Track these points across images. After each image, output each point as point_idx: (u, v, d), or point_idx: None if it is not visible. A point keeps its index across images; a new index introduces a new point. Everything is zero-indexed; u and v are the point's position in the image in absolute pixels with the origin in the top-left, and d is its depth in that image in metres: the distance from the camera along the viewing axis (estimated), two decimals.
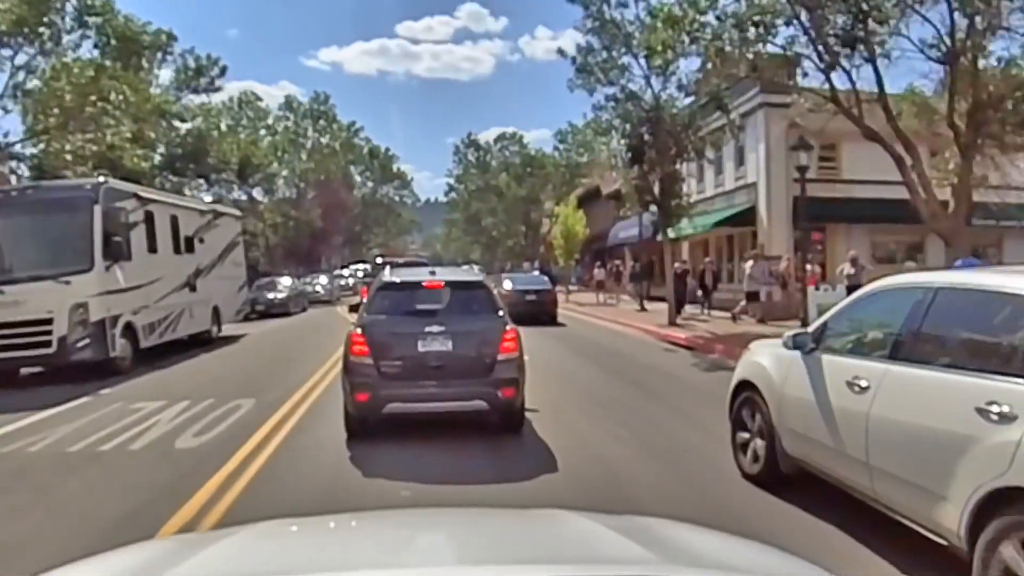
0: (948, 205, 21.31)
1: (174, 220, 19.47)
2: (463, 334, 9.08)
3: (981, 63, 20.39)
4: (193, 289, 20.21)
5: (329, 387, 13.14)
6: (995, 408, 4.38)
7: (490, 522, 2.83)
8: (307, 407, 11.65)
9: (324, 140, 71.70)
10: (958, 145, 20.92)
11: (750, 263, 22.65)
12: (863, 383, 5.66)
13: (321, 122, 71.36)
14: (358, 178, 79.32)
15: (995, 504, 4.28)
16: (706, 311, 27.91)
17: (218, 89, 44.46)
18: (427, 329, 8.98)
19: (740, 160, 30.43)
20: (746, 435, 7.54)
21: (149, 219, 17.93)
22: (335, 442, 9.22)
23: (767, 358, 7.41)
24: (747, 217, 29.08)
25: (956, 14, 19.17)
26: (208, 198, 39.57)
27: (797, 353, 6.72)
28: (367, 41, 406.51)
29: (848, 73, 19.95)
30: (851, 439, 5.78)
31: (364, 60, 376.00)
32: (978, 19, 19.37)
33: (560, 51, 24.82)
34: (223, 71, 43.18)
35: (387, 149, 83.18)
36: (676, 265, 27.09)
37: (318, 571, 2.02)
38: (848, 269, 21.48)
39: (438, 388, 8.99)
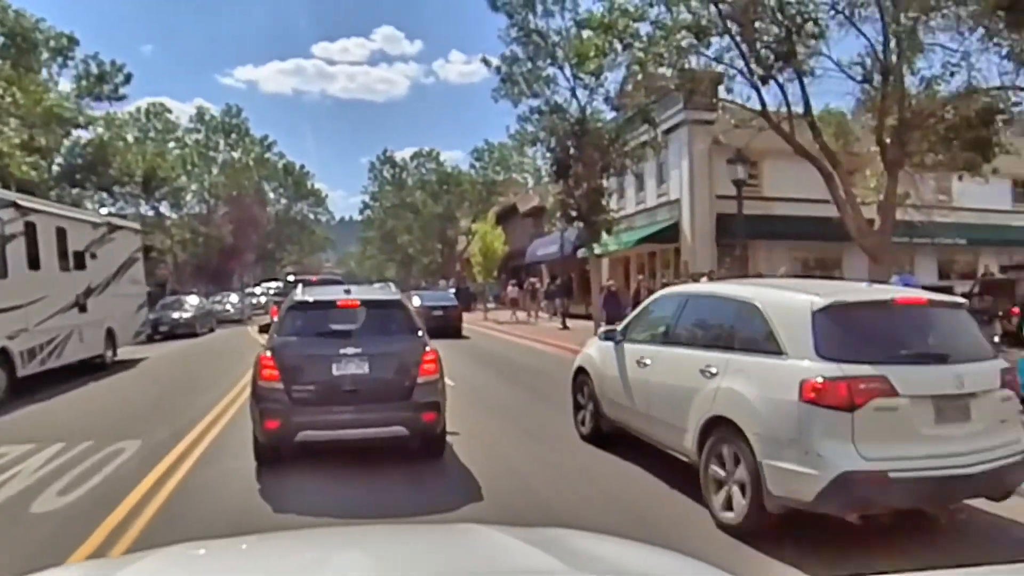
0: (873, 222, 20.77)
1: (61, 233, 17.13)
2: (380, 356, 8.44)
3: (907, 81, 19.98)
4: (83, 309, 17.88)
5: (233, 421, 11.37)
6: (711, 369, 6.85)
7: (405, 538, 2.86)
8: (204, 448, 9.78)
9: (236, 155, 68.07)
10: (884, 162, 20.41)
11: (704, 279, 21.43)
12: (646, 361, 8.27)
13: (233, 136, 67.71)
14: (271, 194, 75.83)
15: (709, 428, 6.72)
16: None
17: (122, 97, 41.64)
18: (342, 351, 8.29)
19: (662, 177, 29.55)
20: (581, 401, 10.14)
21: (30, 231, 15.61)
22: (239, 481, 8.17)
23: (594, 349, 10.02)
24: (670, 234, 28.18)
25: (889, 31, 18.69)
26: (106, 211, 36.62)
27: (611, 344, 9.21)
28: (283, 60, 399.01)
29: (781, 87, 19.19)
30: (639, 400, 8.40)
31: (279, 79, 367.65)
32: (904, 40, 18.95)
33: (484, 60, 23.49)
34: (128, 78, 40.47)
35: (302, 166, 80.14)
36: (610, 283, 25.84)
37: None
38: None
39: (354, 414, 8.19)
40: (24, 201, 15.98)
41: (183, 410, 12.54)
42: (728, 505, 6.45)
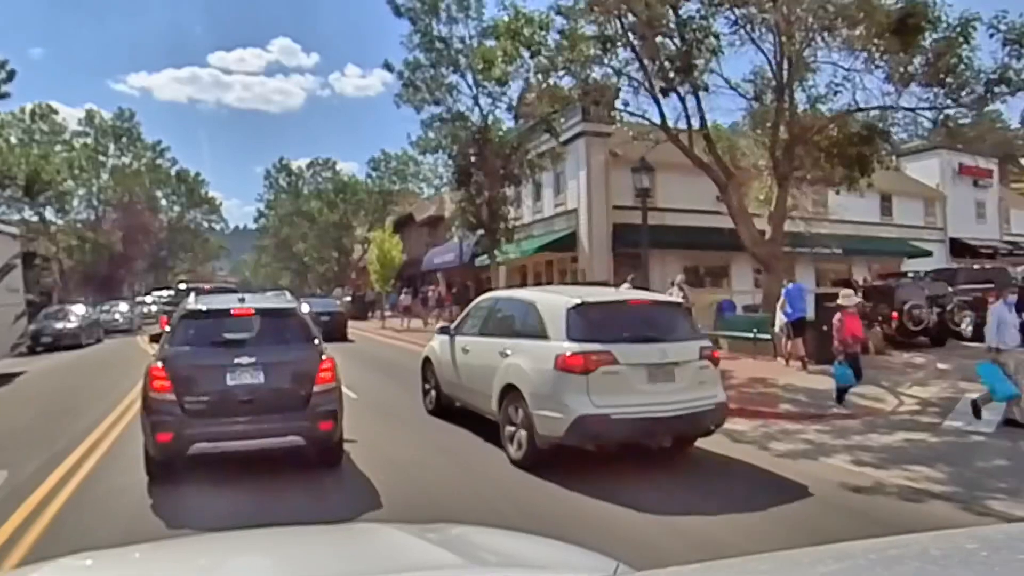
0: (764, 233, 20.73)
1: None
2: (275, 365, 8.05)
3: (796, 98, 20.01)
4: None
5: (119, 441, 10.08)
6: (506, 351, 9.29)
7: (304, 539, 2.65)
8: (83, 475, 8.39)
9: (127, 159, 63.49)
10: (776, 175, 20.38)
11: (625, 285, 20.48)
12: (467, 348, 10.66)
13: (124, 140, 62.87)
14: (164, 202, 71.31)
15: (504, 393, 9.05)
16: None
17: (4, 96, 37.70)
18: (236, 360, 7.88)
19: (559, 187, 28.95)
20: (427, 387, 12.24)
21: None
22: (129, 498, 7.54)
23: (436, 342, 12.06)
24: (568, 243, 27.57)
25: (783, 50, 18.64)
26: None
27: (447, 337, 11.43)
28: (178, 68, 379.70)
29: (682, 100, 18.83)
30: (463, 377, 10.69)
31: (174, 87, 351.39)
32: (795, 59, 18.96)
33: (387, 64, 22.20)
34: (11, 76, 36.87)
35: (197, 174, 75.34)
36: None
37: None
38: (676, 293, 20.12)
39: (249, 425, 7.80)
40: None
41: (60, 432, 10.97)
42: (517, 447, 8.79)
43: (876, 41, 17.79)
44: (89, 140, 60.42)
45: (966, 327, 23.55)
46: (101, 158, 60.80)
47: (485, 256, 28.20)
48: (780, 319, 17.42)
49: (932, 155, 39.58)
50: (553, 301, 9.17)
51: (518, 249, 26.07)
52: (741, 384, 14.61)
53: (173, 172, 70.75)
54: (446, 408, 11.56)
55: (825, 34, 18.08)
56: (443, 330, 11.89)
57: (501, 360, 9.26)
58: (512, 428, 8.89)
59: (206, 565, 2.26)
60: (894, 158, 22.23)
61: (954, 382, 15.26)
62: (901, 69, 18.57)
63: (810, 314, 17.44)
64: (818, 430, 11.08)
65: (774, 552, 1.58)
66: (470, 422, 10.58)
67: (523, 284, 32.69)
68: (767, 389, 14.02)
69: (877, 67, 18.93)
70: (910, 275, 25.66)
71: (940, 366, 17.20)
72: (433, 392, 12.00)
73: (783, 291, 18.00)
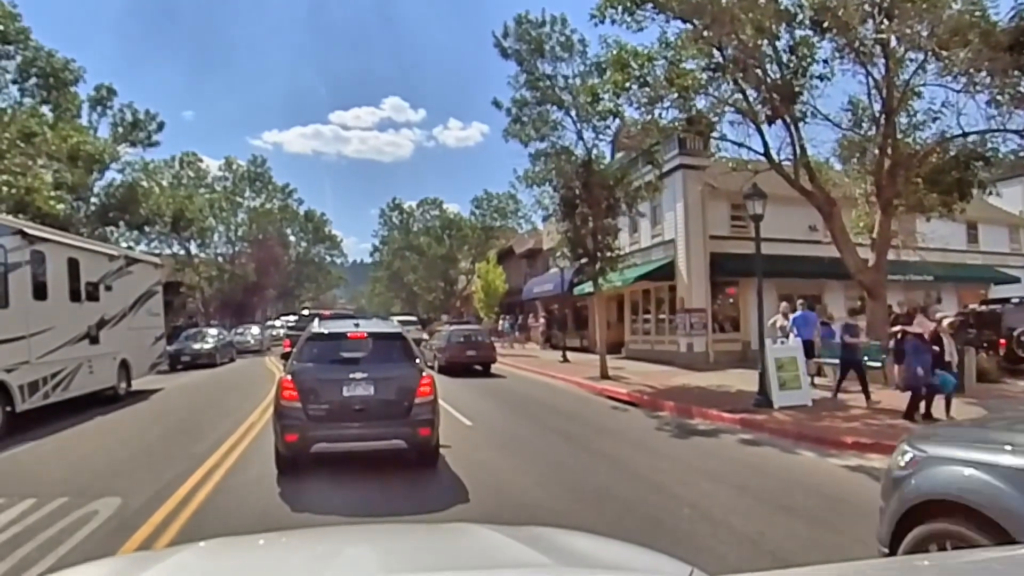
0: (867, 260, 18.69)
1: (73, 264, 14.60)
2: (383, 380, 8.50)
3: (903, 121, 18.05)
4: (95, 341, 15.31)
5: (235, 467, 9.09)
6: None
7: (407, 536, 2.74)
8: (193, 509, 7.21)
9: (260, 201, 64.63)
10: (880, 202, 18.36)
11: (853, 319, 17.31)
12: None
13: (258, 184, 64.21)
14: (292, 238, 72.66)
15: None
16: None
17: (155, 144, 38.59)
18: (351, 375, 8.39)
19: (655, 218, 27.26)
20: None
21: (38, 261, 13.11)
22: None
23: None
24: (667, 272, 25.80)
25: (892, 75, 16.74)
26: (141, 248, 33.86)
27: None
28: (304, 126, 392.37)
29: (788, 128, 17.04)
30: None
31: (301, 141, 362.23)
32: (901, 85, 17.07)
33: (495, 102, 21.08)
34: (160, 127, 37.76)
35: (322, 213, 76.65)
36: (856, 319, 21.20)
37: None
38: (782, 321, 18.19)
39: (361, 429, 8.29)
40: (32, 230, 13.47)
41: (181, 453, 10.03)
42: None
43: (987, 62, 15.65)
44: (228, 184, 61.82)
45: None
46: (238, 199, 62.20)
47: (584, 285, 26.67)
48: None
49: (1016, 182, 35.91)
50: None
51: (620, 277, 24.38)
52: (865, 416, 12.65)
53: (301, 212, 71.93)
54: None
55: (934, 56, 16.06)
56: None
57: None
58: None
59: (324, 552, 2.26)
60: (995, 184, 19.68)
61: None
62: (1010, 91, 16.40)
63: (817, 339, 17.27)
64: None
65: (839, 563, 1.45)
66: None
67: (620, 312, 31.11)
68: (894, 420, 12.01)
69: (979, 90, 16.83)
70: (1014, 301, 22.75)
71: None
72: None
73: (791, 318, 17.67)
